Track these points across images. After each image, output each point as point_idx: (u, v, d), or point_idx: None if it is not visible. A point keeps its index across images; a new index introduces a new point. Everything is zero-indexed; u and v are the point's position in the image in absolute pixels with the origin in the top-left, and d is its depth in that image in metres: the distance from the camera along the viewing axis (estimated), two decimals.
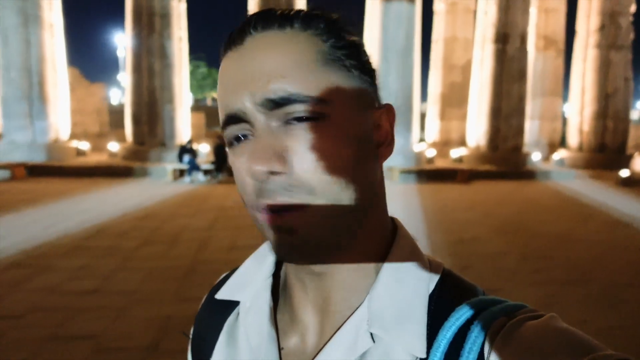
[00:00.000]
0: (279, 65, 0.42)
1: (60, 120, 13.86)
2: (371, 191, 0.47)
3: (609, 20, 15.93)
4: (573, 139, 17.01)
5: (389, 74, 13.73)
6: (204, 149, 15.24)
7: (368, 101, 0.48)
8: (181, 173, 12.76)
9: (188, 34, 14.88)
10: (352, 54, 0.46)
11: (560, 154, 17.12)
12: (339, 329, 0.47)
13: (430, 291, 0.48)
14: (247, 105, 0.43)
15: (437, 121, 19.36)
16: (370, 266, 0.49)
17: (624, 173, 13.54)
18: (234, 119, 0.44)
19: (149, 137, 14.02)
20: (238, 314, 0.56)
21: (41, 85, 13.19)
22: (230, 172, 9.34)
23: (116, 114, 19.93)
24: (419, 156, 14.30)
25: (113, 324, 3.49)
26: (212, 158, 13.31)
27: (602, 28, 15.97)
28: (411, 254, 0.50)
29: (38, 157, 13.06)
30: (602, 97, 16.13)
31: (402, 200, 9.72)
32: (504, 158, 14.95)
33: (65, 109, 14.17)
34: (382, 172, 0.51)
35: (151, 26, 13.61)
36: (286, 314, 0.53)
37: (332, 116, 0.43)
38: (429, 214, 8.25)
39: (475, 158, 15.52)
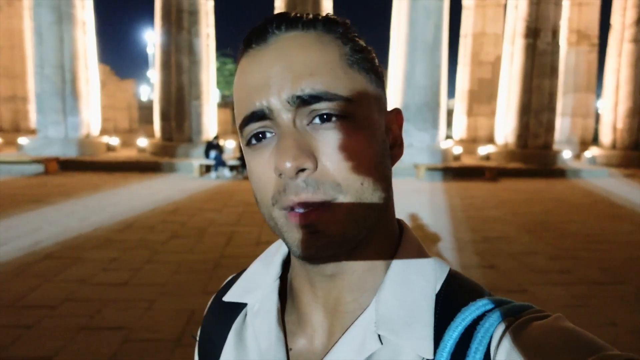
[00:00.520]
0: (306, 64, 0.43)
1: (91, 116, 14.23)
2: (388, 191, 0.48)
3: None
4: (606, 137, 16.52)
5: (416, 70, 13.59)
6: (230, 145, 15.40)
7: (383, 104, 0.49)
8: (207, 169, 12.93)
9: (215, 31, 15.05)
10: (368, 59, 0.48)
11: (592, 152, 16.67)
12: (347, 330, 0.48)
13: (436, 292, 0.48)
14: (273, 102, 0.43)
15: (464, 118, 19.10)
16: (380, 266, 0.49)
17: None
18: (257, 116, 0.45)
19: (176, 133, 14.26)
20: (245, 315, 0.56)
21: (74, 82, 13.55)
22: None
23: (145, 110, 20.30)
24: (445, 153, 14.13)
25: (142, 315, 3.58)
26: (238, 154, 13.44)
27: (639, 22, 15.44)
28: (417, 255, 0.51)
29: (70, 152, 13.43)
30: (638, 93, 15.60)
31: (427, 198, 9.64)
32: (534, 156, 14.64)
33: (96, 105, 14.53)
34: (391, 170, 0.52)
35: (180, 23, 13.82)
36: (294, 315, 0.54)
37: (356, 116, 0.44)
38: (455, 212, 8.16)
39: (504, 156, 15.25)
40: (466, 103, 18.95)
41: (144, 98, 26.96)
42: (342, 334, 0.48)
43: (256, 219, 7.14)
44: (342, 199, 0.43)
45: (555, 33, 14.55)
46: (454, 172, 13.16)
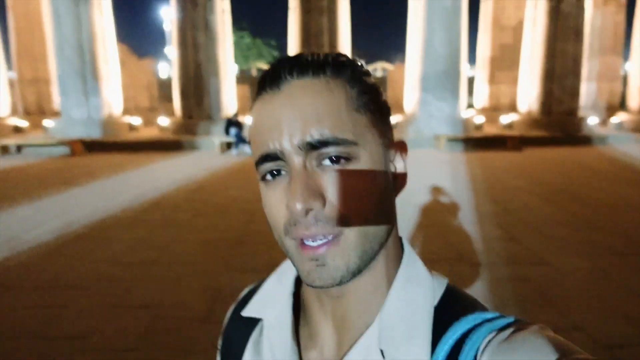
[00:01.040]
0: (315, 111, 0.48)
1: (112, 96, 14.40)
2: (391, 221, 0.53)
3: None
4: (634, 101, 16.03)
5: (435, 38, 13.30)
6: (250, 121, 15.43)
7: (387, 139, 0.54)
8: (228, 145, 13.04)
9: (231, 5, 14.91)
10: (374, 98, 0.52)
11: (619, 117, 16.22)
12: (354, 344, 0.53)
13: (434, 305, 0.52)
14: (286, 146, 0.48)
15: (486, 86, 18.71)
16: (383, 286, 0.54)
17: None
18: (271, 157, 0.49)
19: (196, 110, 14.36)
20: (262, 328, 0.62)
21: (93, 63, 13.69)
22: None
23: (165, 87, 20.42)
24: (466, 123, 13.92)
25: (169, 294, 3.72)
26: None
27: None
28: (417, 272, 0.55)
29: (94, 133, 13.68)
30: None
31: (448, 169, 9.57)
32: (558, 123, 14.31)
33: (117, 85, 14.68)
34: (394, 200, 0.56)
35: None
36: (306, 329, 0.59)
37: (361, 157, 0.49)
38: (475, 183, 8.10)
39: (527, 124, 14.94)
40: (487, 70, 18.53)
41: (163, 75, 27.08)
42: (349, 349, 0.53)
43: None
44: (348, 233, 0.48)
45: None
46: (475, 142, 12.99)
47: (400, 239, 0.58)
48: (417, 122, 13.76)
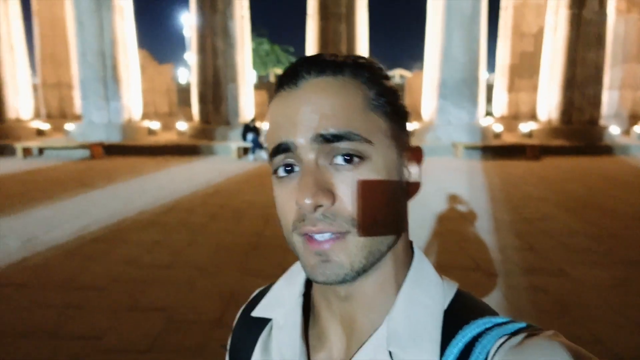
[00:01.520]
0: (330, 107, 0.48)
1: (132, 101, 14.62)
2: (401, 224, 0.52)
3: None
4: None
5: (453, 44, 13.22)
6: (267, 127, 15.52)
7: (403, 143, 0.53)
8: (245, 151, 13.12)
9: (250, 11, 15.05)
10: (391, 101, 0.51)
11: None
12: (362, 346, 0.52)
13: (444, 309, 0.51)
14: (299, 140, 0.48)
15: (505, 93, 18.50)
16: (391, 288, 0.53)
17: None
18: (284, 148, 0.49)
19: (214, 115, 14.49)
20: (271, 329, 0.61)
21: (114, 68, 13.93)
22: None
23: (184, 92, 20.67)
24: (485, 131, 13.77)
25: (184, 297, 3.73)
26: None
27: None
28: (427, 275, 0.54)
29: (114, 137, 13.90)
30: None
31: (466, 177, 9.48)
32: (579, 132, 14.08)
33: (137, 89, 14.91)
34: (407, 205, 0.55)
35: (214, 5, 13.90)
36: (315, 330, 0.58)
37: (373, 157, 0.48)
38: (493, 192, 8.00)
39: (547, 132, 14.73)
40: (507, 78, 18.33)
41: (182, 81, 27.43)
42: (357, 350, 0.52)
43: None
44: (355, 232, 0.47)
45: (602, 2, 13.79)
46: (493, 151, 12.85)
47: (410, 242, 0.57)
48: (435, 130, 13.67)
